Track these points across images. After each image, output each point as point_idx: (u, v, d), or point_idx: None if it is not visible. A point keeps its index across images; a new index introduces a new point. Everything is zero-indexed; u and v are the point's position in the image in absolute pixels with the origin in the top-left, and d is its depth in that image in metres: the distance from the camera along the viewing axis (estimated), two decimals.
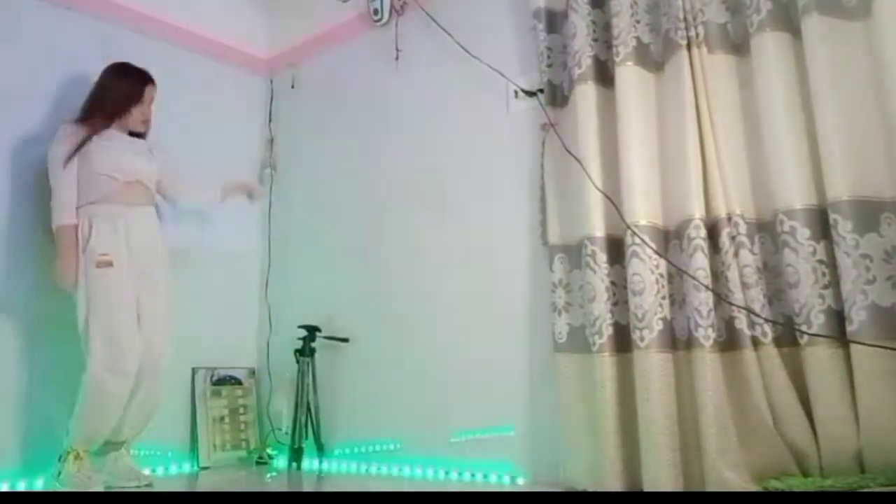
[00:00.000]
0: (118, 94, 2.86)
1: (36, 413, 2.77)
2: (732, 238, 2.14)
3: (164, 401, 2.82)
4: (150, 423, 2.79)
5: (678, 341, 2.23)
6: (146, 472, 2.78)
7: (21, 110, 2.91)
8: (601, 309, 2.32)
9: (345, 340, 3.20)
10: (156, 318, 2.74)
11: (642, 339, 2.21)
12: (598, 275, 2.34)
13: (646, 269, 2.25)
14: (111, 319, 2.61)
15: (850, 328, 1.91)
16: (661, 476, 2.10)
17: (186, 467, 3.18)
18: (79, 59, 3.06)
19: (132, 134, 2.93)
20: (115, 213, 2.72)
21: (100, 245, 2.65)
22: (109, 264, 2.64)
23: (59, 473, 2.55)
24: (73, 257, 2.64)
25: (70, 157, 2.69)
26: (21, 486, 2.66)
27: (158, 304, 2.77)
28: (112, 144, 2.79)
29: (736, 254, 2.13)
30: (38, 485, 2.65)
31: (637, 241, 2.26)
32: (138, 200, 2.81)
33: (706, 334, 2.11)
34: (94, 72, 2.90)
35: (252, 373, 3.57)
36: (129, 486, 2.63)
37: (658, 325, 2.21)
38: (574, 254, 2.48)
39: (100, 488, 2.54)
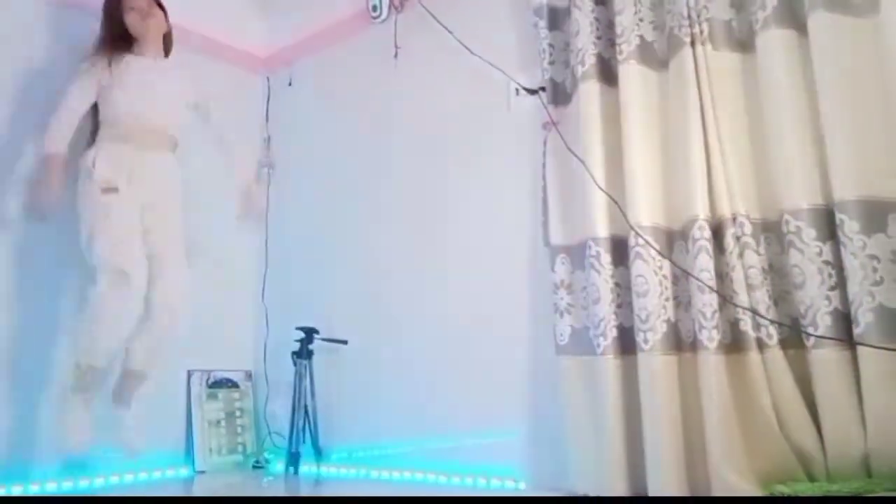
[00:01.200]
0: (108, 13, 2.86)
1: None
2: (737, 239, 2.14)
3: (145, 406, 2.82)
4: (136, 429, 2.78)
5: (683, 343, 2.24)
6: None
7: (13, 107, 2.90)
8: (605, 311, 2.32)
9: (343, 342, 3.20)
10: (168, 251, 2.76)
11: (646, 341, 2.21)
12: (603, 276, 2.34)
13: (650, 270, 2.25)
14: (114, 239, 2.62)
15: (856, 330, 1.91)
16: (665, 480, 2.10)
17: (182, 471, 3.18)
18: (72, 55, 3.05)
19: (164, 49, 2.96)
20: (123, 153, 2.73)
21: (104, 174, 2.66)
22: (115, 190, 2.65)
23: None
24: (54, 184, 2.63)
25: (82, 91, 2.73)
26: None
27: (170, 239, 2.79)
28: (131, 80, 2.78)
29: (741, 255, 2.13)
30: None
31: (641, 242, 2.26)
32: (152, 144, 2.81)
33: (710, 336, 2.11)
34: None
35: (249, 375, 3.57)
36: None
37: (662, 328, 2.21)
38: (576, 255, 2.48)
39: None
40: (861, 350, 1.90)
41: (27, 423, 2.75)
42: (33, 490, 2.64)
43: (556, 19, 2.66)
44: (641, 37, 2.42)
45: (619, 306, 2.36)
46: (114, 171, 2.68)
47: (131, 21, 2.85)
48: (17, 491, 2.66)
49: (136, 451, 2.68)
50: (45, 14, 3.05)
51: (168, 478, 3.08)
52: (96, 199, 2.65)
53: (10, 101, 2.89)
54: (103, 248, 2.61)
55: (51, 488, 2.63)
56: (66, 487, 2.65)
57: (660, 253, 2.26)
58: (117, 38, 2.83)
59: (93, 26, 2.88)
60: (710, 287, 2.13)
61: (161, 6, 2.96)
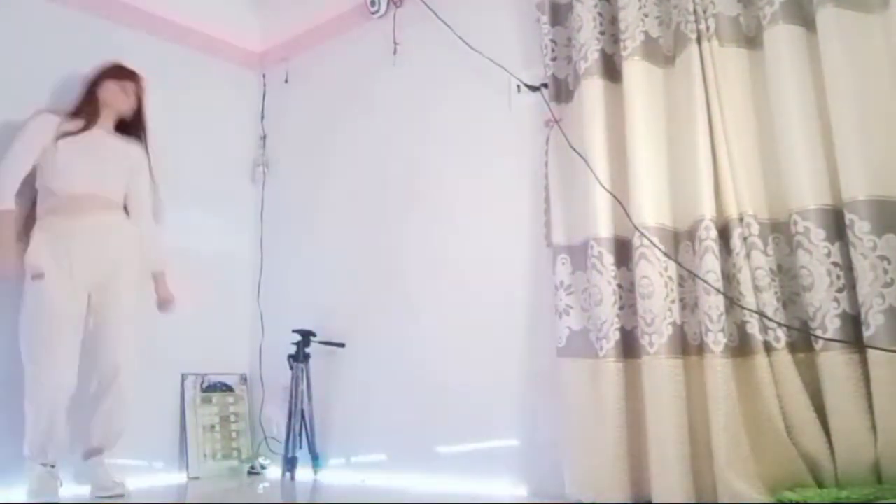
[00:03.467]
0: (93, 89, 2.88)
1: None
2: (744, 239, 2.14)
3: (138, 410, 2.81)
4: (129, 433, 2.79)
5: (689, 346, 2.23)
6: (124, 482, 2.74)
7: (7, 102, 2.90)
8: (607, 313, 2.32)
9: (341, 345, 3.20)
10: (110, 328, 2.74)
11: (651, 344, 2.20)
12: (605, 277, 2.34)
13: (655, 271, 2.24)
14: (41, 331, 2.63)
15: (866, 333, 1.91)
16: (671, 487, 2.10)
17: (175, 477, 3.18)
18: (67, 52, 3.06)
19: (126, 131, 2.95)
20: (57, 227, 2.71)
21: (30, 259, 2.66)
22: (41, 276, 2.64)
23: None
24: (8, 245, 2.64)
25: (32, 146, 2.72)
26: None
27: (114, 313, 2.76)
28: (79, 149, 2.78)
29: (748, 255, 2.13)
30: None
31: (645, 242, 2.25)
32: (92, 209, 2.78)
33: (717, 339, 2.11)
34: (82, 66, 2.90)
35: (244, 379, 3.56)
36: (103, 495, 2.64)
37: (668, 330, 2.21)
38: (578, 255, 2.48)
39: (57, 499, 2.56)
40: (871, 353, 1.90)
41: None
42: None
43: (559, 14, 2.66)
44: (646, 32, 2.42)
45: (621, 308, 2.35)
46: (47, 250, 2.67)
47: (114, 99, 2.89)
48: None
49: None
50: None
51: (161, 484, 3.08)
52: (27, 287, 2.66)
53: None
54: (27, 344, 2.63)
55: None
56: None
57: (665, 254, 2.25)
58: (89, 113, 2.85)
59: None
60: (716, 289, 2.12)
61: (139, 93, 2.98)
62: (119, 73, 2.92)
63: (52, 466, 2.61)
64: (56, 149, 2.73)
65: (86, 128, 2.82)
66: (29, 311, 2.64)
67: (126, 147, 2.94)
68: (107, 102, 2.88)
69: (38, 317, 2.63)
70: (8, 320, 2.68)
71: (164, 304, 3.00)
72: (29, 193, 2.77)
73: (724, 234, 2.18)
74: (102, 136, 2.87)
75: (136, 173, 2.94)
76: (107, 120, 2.90)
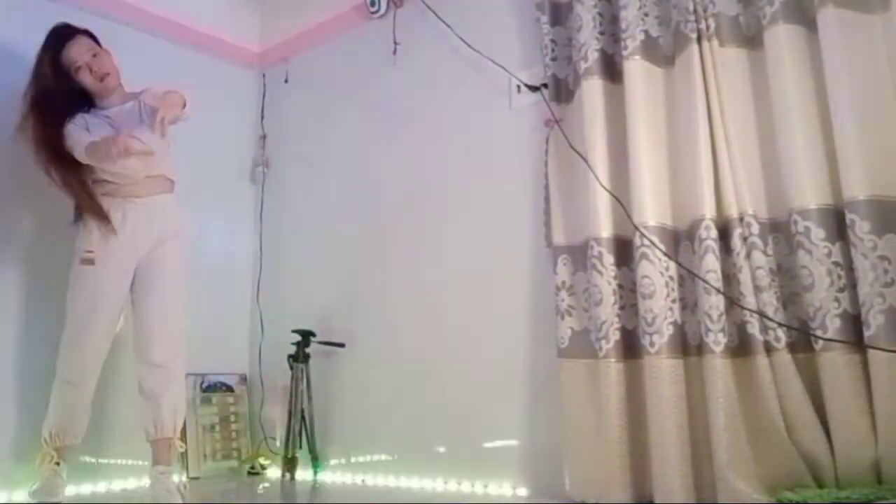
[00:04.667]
0: (48, 76, 2.67)
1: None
2: (745, 239, 2.15)
3: (136, 410, 2.73)
4: (127, 433, 2.79)
5: (689, 346, 2.24)
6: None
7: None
8: (608, 313, 2.33)
9: (341, 345, 3.20)
10: (151, 318, 2.70)
11: (652, 344, 2.21)
12: (605, 277, 2.34)
13: (655, 271, 2.25)
14: (78, 318, 2.62)
15: (867, 333, 1.91)
16: (671, 487, 2.11)
17: (175, 478, 3.17)
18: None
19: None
20: (118, 207, 2.68)
21: (86, 241, 2.64)
22: (91, 262, 2.62)
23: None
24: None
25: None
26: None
27: (156, 303, 2.71)
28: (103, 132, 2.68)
29: (748, 255, 2.14)
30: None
31: (646, 242, 2.26)
32: (142, 192, 2.73)
33: (717, 339, 2.12)
34: None
35: (244, 379, 3.57)
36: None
37: (668, 330, 2.21)
38: (579, 255, 2.48)
39: (58, 499, 2.55)
40: (871, 353, 1.91)
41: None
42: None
43: (559, 14, 2.67)
44: (646, 32, 2.42)
45: (621, 308, 2.36)
46: (96, 234, 2.64)
47: (85, 77, 2.71)
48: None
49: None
50: None
51: None
52: (75, 268, 2.65)
53: None
54: (65, 342, 2.62)
55: None
56: None
57: (665, 254, 2.26)
58: (68, 104, 2.71)
59: None
60: (716, 289, 2.13)
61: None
62: (56, 43, 2.71)
63: (58, 464, 2.59)
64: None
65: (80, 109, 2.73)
66: (73, 295, 2.63)
67: (126, 115, 2.79)
68: (87, 85, 2.74)
69: (81, 303, 2.62)
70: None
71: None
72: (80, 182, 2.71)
73: (724, 233, 2.18)
74: (104, 117, 2.76)
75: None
76: (96, 97, 2.78)
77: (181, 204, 2.88)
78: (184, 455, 3.12)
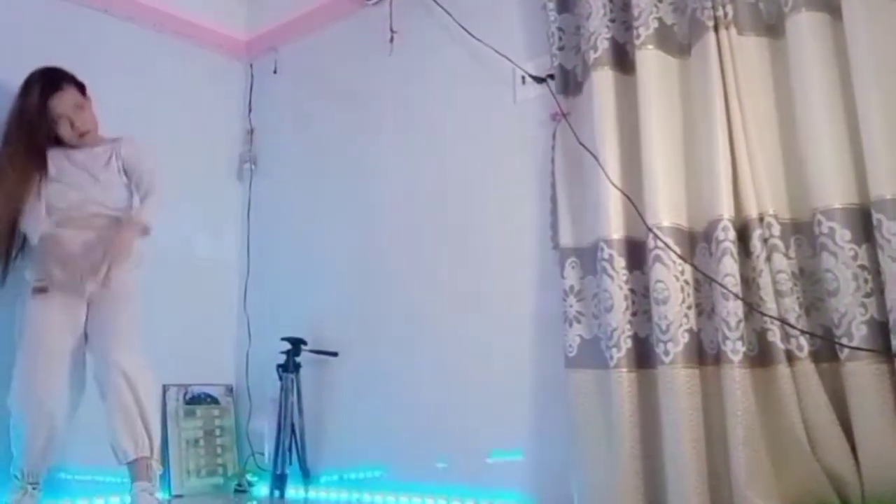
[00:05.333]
0: (25, 120, 2.76)
1: None
2: (765, 241, 2.14)
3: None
4: (106, 449, 2.75)
5: (706, 355, 2.24)
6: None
7: None
8: (619, 319, 2.33)
9: (333, 354, 3.20)
10: (107, 335, 2.72)
11: (667, 353, 2.21)
12: (616, 281, 2.34)
13: (670, 275, 2.25)
14: (38, 350, 2.64)
15: (895, 341, 1.91)
16: None
17: (158, 496, 3.17)
18: (39, 41, 3.06)
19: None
20: (59, 237, 2.71)
21: (36, 271, 2.69)
22: (44, 290, 2.67)
23: None
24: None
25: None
26: None
27: (110, 320, 2.73)
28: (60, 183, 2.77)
29: (769, 258, 2.14)
30: None
31: (660, 244, 2.26)
32: (92, 224, 2.77)
33: (735, 348, 2.11)
34: (53, 57, 2.90)
35: (230, 390, 3.57)
36: None
37: (684, 338, 2.21)
38: (588, 258, 2.48)
39: None
40: None
41: None
42: None
43: (567, 0, 2.67)
44: (660, 20, 2.42)
45: (633, 314, 2.36)
46: (53, 262, 2.68)
47: (63, 129, 2.80)
48: None
49: None
50: None
51: None
52: (26, 300, 2.68)
53: None
54: (20, 368, 2.63)
55: None
56: None
57: (680, 256, 2.26)
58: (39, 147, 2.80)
59: None
60: (734, 294, 2.13)
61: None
62: (39, 94, 2.79)
63: (34, 486, 2.61)
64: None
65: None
66: (25, 325, 2.67)
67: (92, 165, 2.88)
68: (62, 134, 2.83)
69: (30, 331, 2.66)
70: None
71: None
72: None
73: (743, 235, 2.18)
74: (70, 162, 2.84)
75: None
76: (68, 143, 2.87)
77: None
78: (166, 471, 3.12)
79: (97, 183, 2.79)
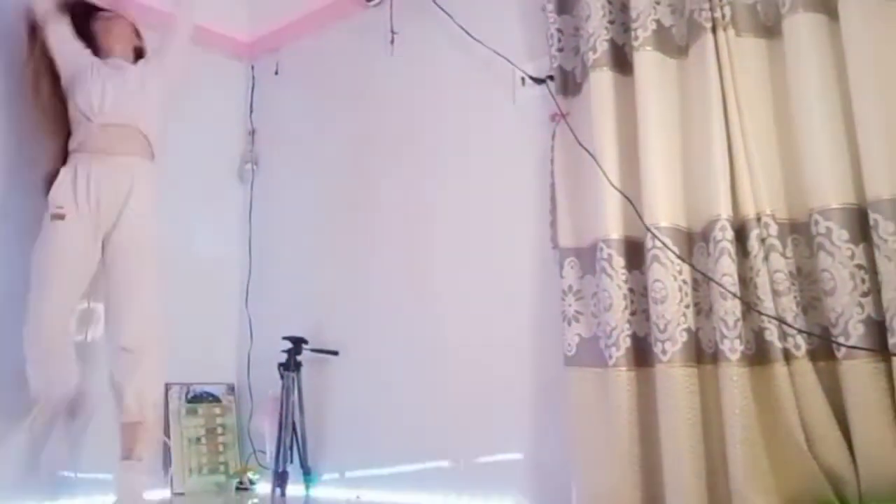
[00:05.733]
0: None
1: None
2: (762, 240, 2.15)
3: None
4: (107, 447, 2.75)
5: (704, 354, 2.24)
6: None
7: None
8: (618, 319, 2.33)
9: (334, 353, 3.21)
10: (120, 297, 2.72)
11: (665, 352, 2.21)
12: (615, 281, 2.35)
13: (668, 275, 2.25)
14: (49, 272, 2.64)
15: (892, 340, 1.91)
16: (685, 503, 2.11)
17: (158, 493, 3.18)
18: None
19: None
20: (86, 163, 2.72)
21: (57, 195, 2.68)
22: (61, 217, 2.66)
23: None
24: None
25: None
26: None
27: (126, 281, 2.73)
28: (97, 74, 2.80)
29: (766, 258, 2.14)
30: None
31: (658, 244, 2.27)
32: (122, 149, 2.78)
33: (733, 346, 2.12)
34: None
35: (231, 389, 3.58)
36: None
37: (682, 337, 2.22)
38: (587, 258, 2.49)
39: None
40: None
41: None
42: None
43: (566, 2, 2.68)
44: (658, 21, 2.43)
45: (632, 314, 2.36)
46: (72, 189, 2.69)
47: (104, 42, 2.92)
48: None
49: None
50: None
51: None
52: (45, 223, 2.69)
53: None
54: (35, 281, 2.64)
55: None
56: None
57: (678, 256, 2.26)
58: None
59: None
60: (732, 293, 2.13)
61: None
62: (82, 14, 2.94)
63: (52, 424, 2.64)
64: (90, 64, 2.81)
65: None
66: (42, 249, 2.66)
67: (132, 70, 2.94)
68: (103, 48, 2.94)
69: (50, 258, 2.65)
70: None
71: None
72: (63, 127, 2.81)
73: (740, 234, 2.18)
74: (109, 65, 2.89)
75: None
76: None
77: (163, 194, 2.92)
78: (168, 469, 3.13)
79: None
